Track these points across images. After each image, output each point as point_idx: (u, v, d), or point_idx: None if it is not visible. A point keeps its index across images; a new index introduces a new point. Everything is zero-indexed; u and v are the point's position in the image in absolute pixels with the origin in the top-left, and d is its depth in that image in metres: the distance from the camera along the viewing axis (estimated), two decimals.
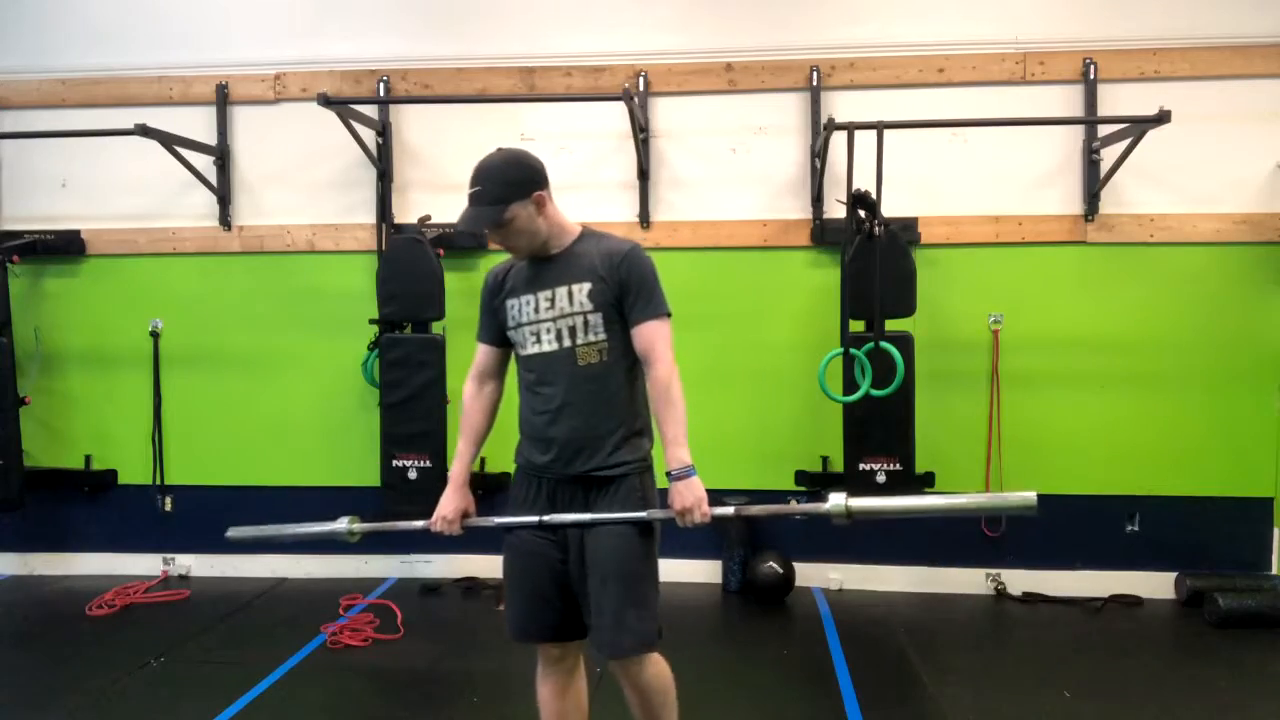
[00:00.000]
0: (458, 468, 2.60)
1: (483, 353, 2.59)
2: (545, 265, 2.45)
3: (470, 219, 2.37)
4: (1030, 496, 2.23)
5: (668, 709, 2.51)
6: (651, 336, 2.39)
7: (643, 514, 2.39)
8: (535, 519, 2.43)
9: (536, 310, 2.44)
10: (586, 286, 2.39)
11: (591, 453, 2.41)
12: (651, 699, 2.48)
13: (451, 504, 2.58)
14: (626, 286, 2.39)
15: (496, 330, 2.55)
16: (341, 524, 2.72)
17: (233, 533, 2.94)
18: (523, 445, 2.55)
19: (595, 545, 2.38)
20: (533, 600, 2.48)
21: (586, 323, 2.40)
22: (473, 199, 2.35)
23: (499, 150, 2.47)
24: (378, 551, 5.12)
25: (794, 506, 2.52)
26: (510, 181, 2.36)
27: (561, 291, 2.41)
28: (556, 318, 2.42)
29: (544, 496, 2.48)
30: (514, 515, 2.50)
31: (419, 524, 2.62)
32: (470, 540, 5.23)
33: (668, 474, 2.38)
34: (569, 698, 2.57)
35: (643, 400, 2.49)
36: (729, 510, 2.43)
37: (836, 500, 2.32)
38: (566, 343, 2.41)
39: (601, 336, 2.41)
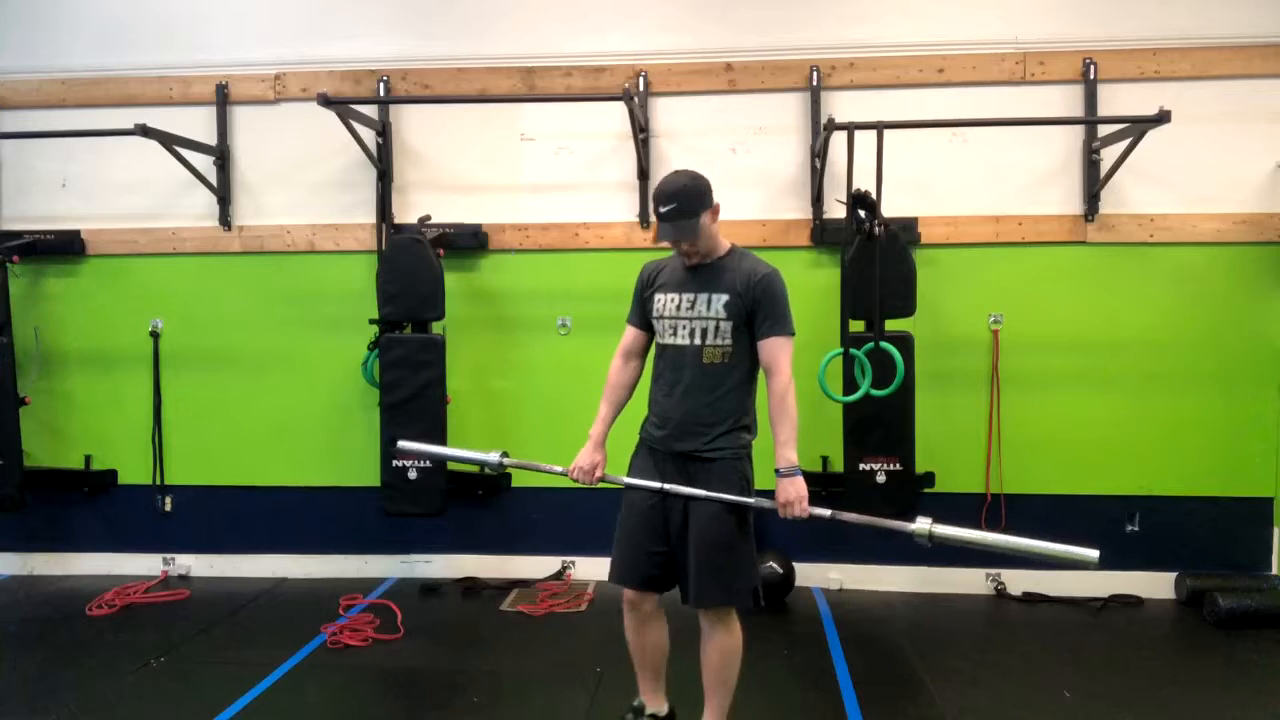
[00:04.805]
0: (598, 428, 2.99)
1: (630, 334, 3.04)
2: (695, 271, 2.86)
3: (671, 232, 2.76)
4: (1093, 555, 2.50)
5: (732, 668, 2.89)
6: (774, 351, 2.80)
7: (749, 500, 2.78)
8: (658, 485, 2.83)
9: (678, 308, 2.85)
10: (725, 298, 2.80)
11: (697, 436, 2.82)
12: (721, 653, 2.86)
13: (588, 458, 2.96)
14: (759, 304, 2.79)
15: (643, 316, 2.99)
16: (494, 456, 3.10)
17: (403, 444, 3.40)
18: (647, 420, 2.97)
19: (697, 515, 2.78)
20: (636, 552, 2.89)
21: (718, 328, 2.81)
22: (669, 215, 2.73)
23: (678, 172, 2.83)
24: (378, 551, 5.13)
25: (883, 521, 2.83)
26: (696, 197, 2.76)
27: (703, 297, 2.82)
28: (693, 318, 2.83)
29: (654, 466, 2.88)
30: (635, 478, 2.90)
31: (559, 468, 3.02)
32: (470, 540, 5.27)
33: (776, 471, 2.74)
34: (649, 635, 2.98)
35: (752, 401, 2.90)
36: (825, 512, 2.74)
37: (922, 524, 2.66)
38: (697, 341, 2.82)
39: (728, 342, 2.82)
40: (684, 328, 2.84)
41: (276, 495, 5.14)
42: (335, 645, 4.08)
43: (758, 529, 4.83)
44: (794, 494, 2.69)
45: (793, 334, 2.83)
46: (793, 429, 2.73)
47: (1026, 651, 4.06)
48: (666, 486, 2.82)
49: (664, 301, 2.88)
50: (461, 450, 3.39)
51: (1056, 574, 4.72)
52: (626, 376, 3.03)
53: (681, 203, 2.73)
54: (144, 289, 5.18)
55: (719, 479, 2.79)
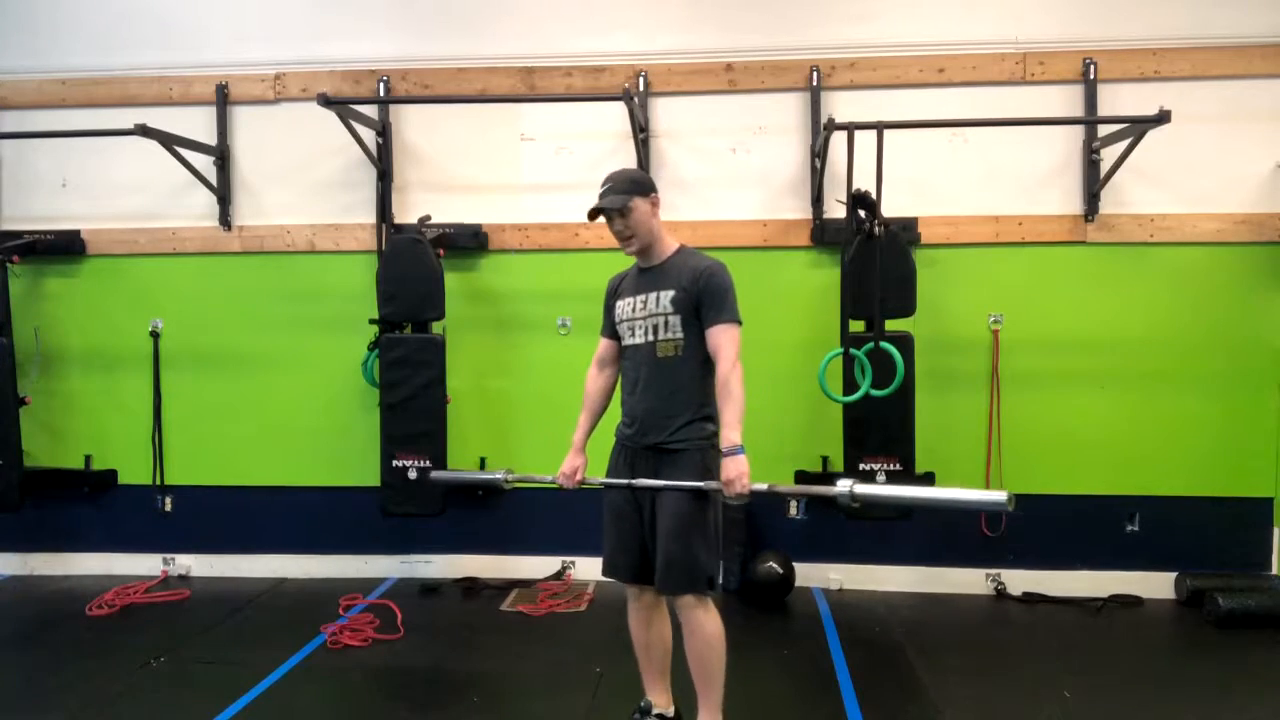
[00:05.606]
0: (578, 435, 3.16)
1: (602, 344, 3.20)
2: (647, 274, 3.03)
3: (602, 203, 2.94)
4: (1001, 497, 2.49)
5: (713, 657, 2.91)
6: (719, 339, 2.87)
7: (698, 484, 2.87)
8: (626, 482, 2.97)
9: (634, 310, 3.01)
10: (671, 293, 2.93)
11: (661, 429, 2.94)
12: (699, 641, 2.90)
13: (570, 463, 3.13)
14: (703, 295, 2.89)
15: (612, 326, 3.14)
16: (499, 474, 3.27)
17: (434, 475, 3.86)
18: (620, 420, 3.09)
19: (661, 504, 2.91)
20: (618, 546, 3.05)
21: (667, 323, 2.94)
22: (603, 194, 2.94)
23: (624, 168, 3.14)
24: (378, 551, 5.13)
25: (811, 489, 3.00)
26: (633, 181, 2.98)
27: (653, 296, 2.97)
28: (647, 316, 2.97)
29: (626, 462, 3.02)
30: (610, 477, 3.05)
31: (549, 477, 3.17)
32: (470, 540, 5.27)
33: (721, 451, 2.81)
34: (651, 628, 3.09)
35: (712, 391, 2.93)
36: (762, 486, 2.82)
37: (843, 485, 2.74)
38: (651, 337, 2.97)
39: (679, 335, 2.93)
40: (640, 327, 2.98)
41: (276, 495, 5.14)
42: (335, 645, 4.08)
43: (760, 530, 4.91)
44: (735, 472, 2.76)
45: (738, 322, 2.91)
46: (736, 411, 2.80)
47: (1026, 651, 4.06)
48: (634, 482, 2.95)
49: (623, 306, 3.06)
50: (475, 474, 4.21)
51: (1056, 574, 4.73)
52: (601, 384, 3.19)
53: (616, 183, 2.95)
54: (144, 289, 5.18)
55: (682, 469, 2.89)
